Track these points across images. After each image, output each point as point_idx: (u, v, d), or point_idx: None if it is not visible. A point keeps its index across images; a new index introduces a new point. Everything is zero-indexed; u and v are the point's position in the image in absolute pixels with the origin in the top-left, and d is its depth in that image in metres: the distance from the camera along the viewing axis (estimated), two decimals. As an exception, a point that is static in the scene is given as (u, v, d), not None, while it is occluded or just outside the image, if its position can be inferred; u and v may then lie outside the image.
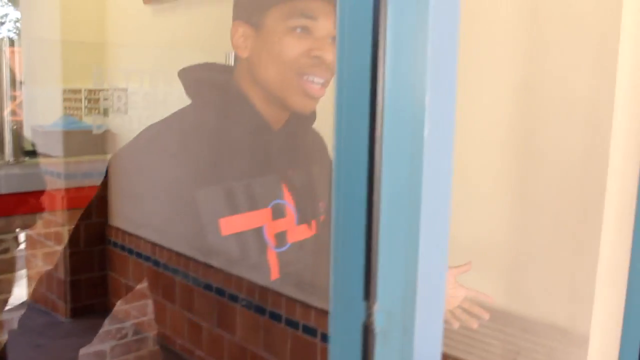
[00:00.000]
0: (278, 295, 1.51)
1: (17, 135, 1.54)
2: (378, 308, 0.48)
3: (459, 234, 1.50)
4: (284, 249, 1.17)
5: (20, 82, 2.20)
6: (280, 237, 1.16)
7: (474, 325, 1.14)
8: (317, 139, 1.32)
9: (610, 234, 1.12)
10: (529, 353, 1.42)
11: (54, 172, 1.66)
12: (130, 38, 2.32)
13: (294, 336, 1.59)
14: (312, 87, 1.06)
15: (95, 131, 2.05)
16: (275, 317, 1.58)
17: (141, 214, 1.25)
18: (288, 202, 1.17)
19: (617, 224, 1.10)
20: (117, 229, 1.80)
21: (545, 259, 1.38)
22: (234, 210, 1.10)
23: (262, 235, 1.13)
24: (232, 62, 1.98)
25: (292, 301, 1.52)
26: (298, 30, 1.05)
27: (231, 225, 1.10)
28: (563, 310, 1.30)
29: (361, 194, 0.48)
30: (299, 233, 1.20)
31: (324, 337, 1.57)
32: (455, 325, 1.16)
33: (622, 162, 1.07)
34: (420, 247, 0.45)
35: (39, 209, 1.61)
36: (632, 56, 1.01)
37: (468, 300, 1.16)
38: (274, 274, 1.17)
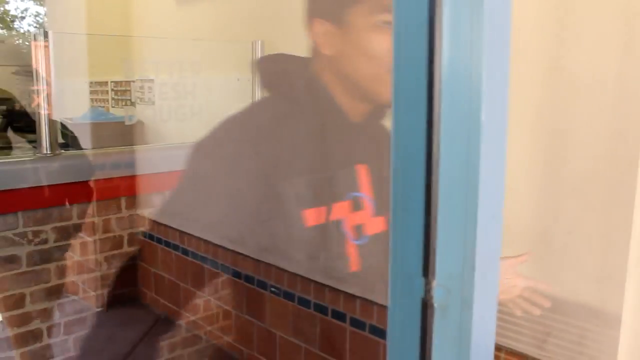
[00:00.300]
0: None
1: (53, 127, 1.58)
2: (437, 284, 0.50)
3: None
4: (362, 241, 1.17)
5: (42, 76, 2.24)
6: (358, 230, 1.16)
7: (537, 312, 1.16)
8: (385, 131, 1.31)
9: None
10: (559, 333, 1.43)
11: (90, 163, 1.70)
12: (156, 30, 2.35)
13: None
14: None
15: (127, 122, 2.08)
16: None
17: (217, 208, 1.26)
18: (365, 194, 1.17)
19: None
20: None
21: (575, 238, 1.39)
22: (316, 202, 1.11)
23: (341, 227, 1.14)
24: (258, 52, 2.02)
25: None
26: (383, 25, 1.05)
27: (314, 216, 1.10)
28: (594, 290, 1.31)
29: (419, 173, 0.50)
30: (375, 226, 1.19)
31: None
32: (518, 312, 1.18)
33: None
34: (479, 224, 0.47)
35: (77, 200, 1.65)
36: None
37: (528, 289, 1.18)
38: (354, 266, 1.17)
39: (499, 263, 0.51)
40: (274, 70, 1.21)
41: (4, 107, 2.71)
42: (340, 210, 1.13)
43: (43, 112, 1.61)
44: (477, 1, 0.45)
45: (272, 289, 2.00)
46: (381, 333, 1.54)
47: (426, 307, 0.51)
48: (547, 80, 1.38)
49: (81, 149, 1.90)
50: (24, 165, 1.59)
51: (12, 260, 1.61)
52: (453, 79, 0.47)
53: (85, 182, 1.67)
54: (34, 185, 1.59)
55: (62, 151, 1.66)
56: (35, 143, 1.94)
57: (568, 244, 1.38)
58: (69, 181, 1.65)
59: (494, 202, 0.48)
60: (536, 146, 1.43)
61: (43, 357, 1.73)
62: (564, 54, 1.32)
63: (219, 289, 2.10)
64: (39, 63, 1.59)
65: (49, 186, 1.60)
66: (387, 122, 1.26)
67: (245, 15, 1.98)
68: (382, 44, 1.05)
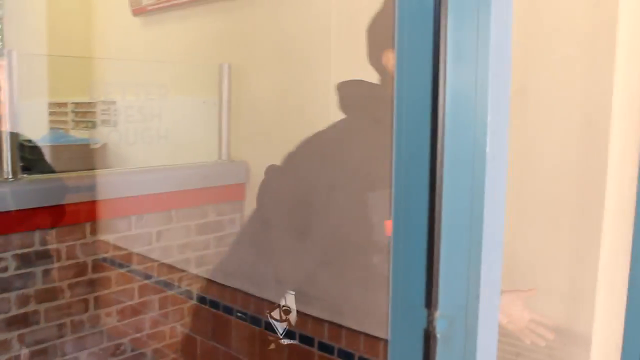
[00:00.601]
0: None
1: (15, 151, 1.53)
2: (440, 315, 0.50)
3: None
4: None
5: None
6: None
7: (542, 343, 1.26)
8: None
9: (610, 234, 1.15)
10: (529, 353, 1.45)
11: (53, 188, 1.65)
12: (121, 51, 2.31)
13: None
14: None
15: (93, 145, 2.04)
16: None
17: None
18: None
19: (616, 224, 1.13)
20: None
21: (545, 259, 1.41)
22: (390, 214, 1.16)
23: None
24: (225, 74, 2.01)
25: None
26: None
27: (390, 226, 1.15)
28: (563, 310, 1.33)
29: (422, 204, 0.50)
30: None
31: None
32: (527, 342, 1.26)
33: (620, 162, 1.12)
34: (483, 255, 0.48)
35: (39, 226, 1.59)
36: (628, 56, 1.06)
37: (534, 322, 1.27)
38: None
39: (499, 292, 0.51)
40: (352, 93, 1.30)
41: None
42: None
43: (5, 135, 1.56)
44: (483, 31, 0.46)
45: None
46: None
47: (429, 338, 0.51)
48: (515, 102, 1.41)
49: (42, 172, 1.84)
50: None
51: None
52: (457, 111, 0.47)
53: (48, 207, 1.62)
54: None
55: (25, 175, 1.61)
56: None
57: (536, 263, 1.40)
58: (31, 206, 1.60)
59: (496, 231, 0.49)
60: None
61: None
62: (530, 73, 1.36)
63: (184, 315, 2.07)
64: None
65: (9, 212, 1.54)
66: None
67: (213, 38, 1.97)
68: None
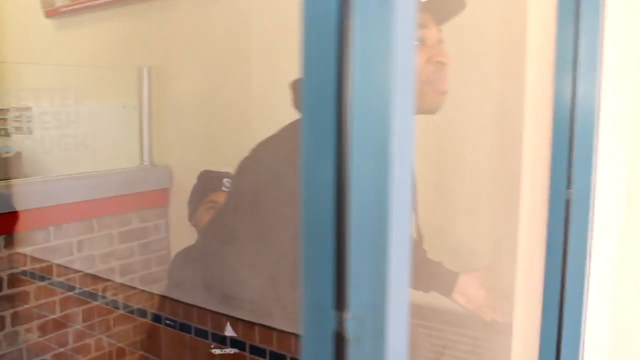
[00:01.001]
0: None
1: None
2: (350, 315, 0.50)
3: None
4: None
5: None
6: None
7: (500, 318, 1.34)
8: None
9: (526, 232, 1.20)
10: (455, 345, 1.49)
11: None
12: (33, 55, 2.21)
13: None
14: (441, 89, 1.19)
15: (5, 154, 1.94)
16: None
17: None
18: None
19: (532, 224, 1.18)
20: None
21: (465, 254, 1.46)
22: None
23: None
24: (145, 78, 1.96)
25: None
26: (415, 42, 1.06)
27: None
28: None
29: (329, 205, 0.50)
30: None
31: None
32: (487, 318, 1.33)
33: (533, 162, 1.16)
34: (390, 255, 0.48)
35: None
36: (538, 62, 1.10)
37: (489, 298, 1.35)
38: None
39: (407, 292, 0.52)
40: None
41: None
42: None
43: None
44: (386, 33, 0.46)
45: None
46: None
47: (339, 339, 0.51)
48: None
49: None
50: None
51: None
52: (363, 112, 0.47)
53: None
54: None
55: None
56: None
57: (459, 258, 1.44)
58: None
59: (402, 231, 0.49)
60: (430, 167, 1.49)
61: None
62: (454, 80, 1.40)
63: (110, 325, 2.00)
64: None
65: None
66: None
67: (131, 40, 1.92)
68: (418, 60, 1.17)
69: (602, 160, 1.13)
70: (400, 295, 0.50)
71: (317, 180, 0.51)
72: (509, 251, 1.27)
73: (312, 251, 0.52)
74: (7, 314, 1.72)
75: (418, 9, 1.20)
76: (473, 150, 1.42)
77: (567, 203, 1.13)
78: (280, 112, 1.16)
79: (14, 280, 1.71)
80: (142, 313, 1.90)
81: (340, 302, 0.51)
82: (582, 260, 1.13)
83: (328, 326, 0.52)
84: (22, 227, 1.69)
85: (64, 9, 2.06)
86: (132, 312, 1.91)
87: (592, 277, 1.16)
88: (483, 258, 1.44)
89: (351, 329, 0.50)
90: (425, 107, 1.22)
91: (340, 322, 0.51)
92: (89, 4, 1.96)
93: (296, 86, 1.27)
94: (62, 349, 1.91)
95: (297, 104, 1.23)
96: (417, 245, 1.39)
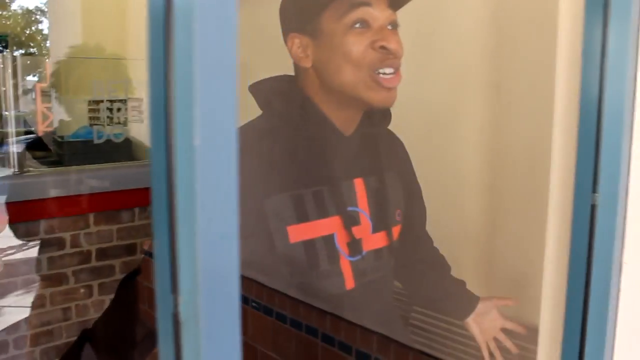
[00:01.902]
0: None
1: (22, 147, 1.68)
2: (181, 300, 0.53)
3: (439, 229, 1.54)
4: (358, 257, 1.15)
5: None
6: (355, 246, 1.14)
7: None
8: (395, 142, 1.24)
9: (553, 239, 1.14)
10: (504, 354, 1.43)
11: (59, 181, 1.78)
12: (141, 51, 2.43)
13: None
14: (386, 78, 1.07)
15: (115, 140, 2.16)
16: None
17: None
18: (362, 209, 1.14)
19: (559, 230, 1.12)
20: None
21: (510, 255, 1.39)
22: (303, 218, 1.11)
23: (334, 243, 1.13)
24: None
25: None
26: (357, 25, 1.04)
27: (299, 232, 1.11)
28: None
29: (164, 201, 0.54)
30: (375, 241, 1.16)
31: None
32: (485, 355, 1.19)
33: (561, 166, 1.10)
34: (208, 245, 0.51)
35: (44, 216, 1.73)
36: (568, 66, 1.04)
37: (505, 331, 1.18)
38: (349, 283, 1.16)
39: (237, 277, 0.54)
40: (265, 90, 1.23)
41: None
42: (330, 225, 1.13)
43: (11, 134, 1.71)
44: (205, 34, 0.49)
45: (253, 304, 2.03)
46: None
47: (176, 321, 0.54)
48: (487, 100, 1.39)
49: (71, 165, 1.98)
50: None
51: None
52: (182, 109, 0.50)
53: (53, 198, 1.75)
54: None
55: (30, 169, 1.75)
56: (43, 160, 2.05)
57: (503, 259, 1.38)
58: (35, 198, 1.74)
59: (224, 222, 0.51)
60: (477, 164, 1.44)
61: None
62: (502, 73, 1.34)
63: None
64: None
65: (13, 203, 1.69)
66: (385, 133, 1.24)
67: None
68: (358, 46, 1.05)
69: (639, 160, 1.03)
70: (225, 280, 0.52)
71: (157, 173, 0.55)
72: (535, 261, 1.19)
73: (158, 237, 0.56)
74: (94, 283, 1.94)
75: None
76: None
77: (593, 208, 1.05)
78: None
79: (100, 254, 1.91)
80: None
81: (174, 286, 0.55)
82: (608, 270, 1.04)
83: (168, 310, 0.56)
84: (114, 206, 1.88)
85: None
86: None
87: (625, 289, 1.07)
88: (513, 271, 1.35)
89: (183, 313, 0.53)
90: (372, 98, 1.09)
91: (176, 305, 0.54)
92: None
93: (257, 87, 1.23)
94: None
95: (260, 103, 1.22)
96: (438, 262, 1.26)
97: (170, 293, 0.55)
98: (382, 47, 1.04)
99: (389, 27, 1.06)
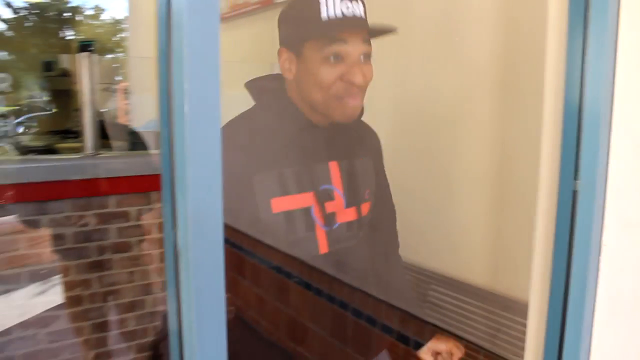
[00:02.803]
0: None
1: (97, 132, 1.95)
2: (179, 234, 0.72)
3: (451, 224, 1.66)
4: (332, 227, 1.36)
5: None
6: (329, 218, 1.36)
7: None
8: (369, 133, 1.52)
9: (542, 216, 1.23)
10: (507, 330, 1.54)
11: (126, 163, 2.04)
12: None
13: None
14: (349, 104, 1.29)
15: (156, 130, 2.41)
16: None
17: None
18: (336, 187, 1.37)
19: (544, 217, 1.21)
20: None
21: (523, 243, 1.49)
22: (284, 192, 1.31)
23: (311, 214, 1.34)
24: (275, 71, 2.26)
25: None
26: (331, 58, 1.25)
27: (281, 204, 1.31)
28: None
29: (167, 162, 0.72)
30: (346, 215, 1.39)
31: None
32: None
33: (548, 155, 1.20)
34: (191, 193, 0.69)
35: (113, 192, 1.99)
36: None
37: (447, 353, 1.39)
38: (323, 248, 1.38)
39: (220, 218, 0.71)
40: (258, 86, 1.46)
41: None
42: (307, 199, 1.34)
43: (87, 120, 1.98)
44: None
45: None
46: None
47: (175, 251, 0.73)
48: (496, 104, 1.50)
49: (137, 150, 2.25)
50: (71, 162, 1.96)
51: (59, 237, 1.99)
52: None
53: (120, 178, 2.01)
54: (78, 179, 1.95)
55: (102, 152, 2.02)
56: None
57: (518, 247, 1.48)
58: (107, 176, 2.00)
59: (209, 174, 0.69)
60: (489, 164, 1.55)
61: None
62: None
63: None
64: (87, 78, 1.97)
65: (87, 180, 1.96)
66: (358, 124, 1.43)
67: (269, 39, 2.24)
68: (329, 77, 1.26)
69: (617, 152, 1.13)
70: (210, 225, 0.70)
71: (165, 146, 0.73)
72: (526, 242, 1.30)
73: (164, 193, 0.75)
74: (156, 252, 2.18)
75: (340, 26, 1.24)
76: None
77: (574, 194, 1.15)
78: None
79: (160, 228, 2.15)
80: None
81: (174, 223, 0.73)
82: (587, 250, 1.14)
83: (171, 240, 0.75)
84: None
85: (226, 15, 2.47)
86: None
87: (604, 275, 1.16)
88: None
89: (179, 245, 0.72)
90: (336, 117, 1.31)
91: (175, 237, 0.73)
92: (243, 10, 2.33)
93: (252, 84, 1.45)
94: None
95: (254, 97, 1.42)
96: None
97: (172, 229, 0.74)
98: (349, 80, 1.26)
99: (362, 58, 1.27)
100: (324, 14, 1.23)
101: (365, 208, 1.44)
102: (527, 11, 1.39)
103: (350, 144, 1.44)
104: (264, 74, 1.46)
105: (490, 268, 1.63)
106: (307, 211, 1.33)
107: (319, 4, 1.24)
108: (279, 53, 1.34)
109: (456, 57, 1.62)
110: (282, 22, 1.36)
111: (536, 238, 1.27)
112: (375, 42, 1.28)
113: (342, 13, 1.23)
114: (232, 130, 1.36)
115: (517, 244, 1.51)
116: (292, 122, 1.36)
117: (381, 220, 1.53)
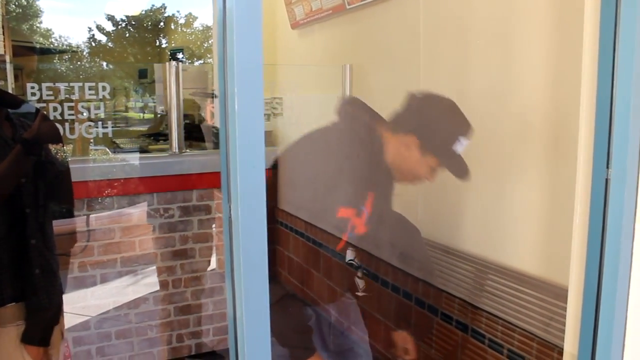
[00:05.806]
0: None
1: (182, 133, 2.17)
2: (232, 206, 0.87)
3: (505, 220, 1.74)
4: (351, 235, 1.68)
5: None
6: (352, 228, 1.65)
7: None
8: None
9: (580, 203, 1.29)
10: (560, 318, 1.57)
11: (208, 161, 2.25)
12: (283, 57, 2.87)
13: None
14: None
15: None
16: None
17: (299, 199, 1.77)
18: (366, 209, 1.65)
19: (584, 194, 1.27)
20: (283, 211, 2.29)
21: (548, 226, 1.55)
22: (346, 203, 1.59)
23: (347, 223, 1.63)
24: (347, 74, 2.40)
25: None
26: (421, 156, 1.54)
27: (342, 212, 1.60)
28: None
29: (224, 148, 0.88)
30: (361, 229, 1.67)
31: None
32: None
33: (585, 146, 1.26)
34: (239, 172, 0.84)
35: (195, 187, 2.20)
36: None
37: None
38: (340, 246, 1.71)
39: (263, 193, 0.86)
40: (351, 112, 1.68)
41: (187, 121, 3.43)
42: (352, 213, 1.62)
43: (174, 122, 2.19)
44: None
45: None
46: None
47: (229, 220, 0.88)
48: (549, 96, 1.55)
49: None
50: (158, 160, 2.19)
51: (148, 228, 2.22)
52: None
53: (202, 174, 2.21)
54: (164, 175, 2.18)
55: (187, 151, 2.23)
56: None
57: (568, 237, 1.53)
58: (190, 172, 2.21)
59: (254, 158, 0.84)
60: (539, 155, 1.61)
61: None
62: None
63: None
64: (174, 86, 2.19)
65: (172, 176, 2.17)
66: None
67: (341, 43, 2.38)
68: (420, 172, 1.56)
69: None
70: (253, 196, 0.85)
71: (223, 137, 0.89)
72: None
73: (222, 173, 0.91)
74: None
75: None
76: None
77: (607, 182, 1.22)
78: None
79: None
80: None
81: (229, 198, 0.89)
82: (618, 240, 1.21)
83: (227, 212, 0.90)
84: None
85: (302, 21, 2.63)
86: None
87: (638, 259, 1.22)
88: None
89: (232, 215, 0.87)
90: (408, 181, 1.65)
91: (229, 209, 0.88)
92: (318, 16, 2.48)
93: (345, 105, 1.69)
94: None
95: (341, 115, 1.63)
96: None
97: (227, 202, 0.89)
98: (427, 179, 1.63)
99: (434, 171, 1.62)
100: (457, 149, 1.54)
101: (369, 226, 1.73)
102: (566, 12, 1.45)
103: (382, 183, 1.73)
104: (335, 76, 1.70)
105: (544, 257, 1.67)
106: (346, 221, 1.64)
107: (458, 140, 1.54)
108: (397, 132, 1.61)
109: (511, 55, 1.71)
110: (415, 110, 1.64)
111: (575, 225, 1.33)
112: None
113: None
114: (317, 142, 1.64)
115: (569, 233, 1.56)
116: (368, 154, 1.63)
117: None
